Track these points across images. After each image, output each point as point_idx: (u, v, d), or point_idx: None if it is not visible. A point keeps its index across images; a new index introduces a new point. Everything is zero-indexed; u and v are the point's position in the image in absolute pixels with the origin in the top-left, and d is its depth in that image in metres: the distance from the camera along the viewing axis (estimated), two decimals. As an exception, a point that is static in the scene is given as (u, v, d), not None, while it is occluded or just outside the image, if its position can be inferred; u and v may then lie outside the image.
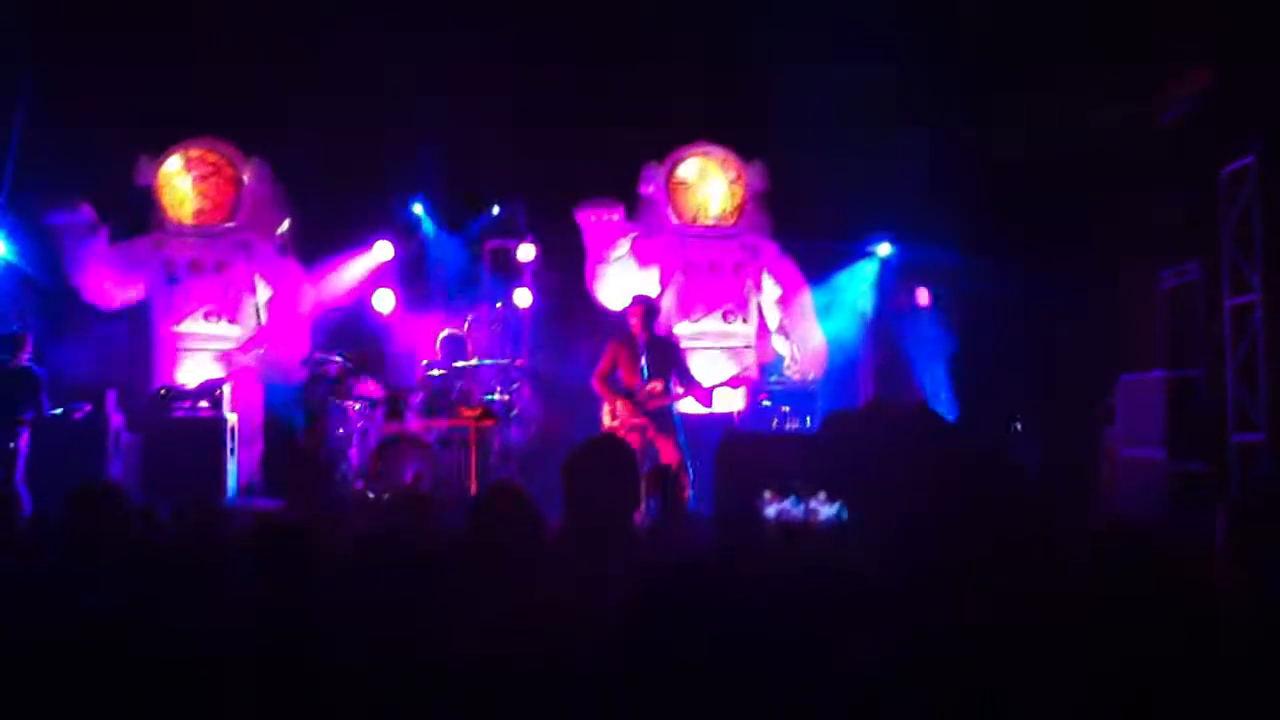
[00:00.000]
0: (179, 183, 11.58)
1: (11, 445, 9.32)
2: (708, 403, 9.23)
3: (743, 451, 8.85)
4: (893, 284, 11.83)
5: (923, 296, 11.64)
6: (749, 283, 11.73)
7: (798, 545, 2.24)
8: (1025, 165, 10.72)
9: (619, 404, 8.89)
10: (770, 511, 2.18)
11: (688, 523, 6.55)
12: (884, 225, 11.67)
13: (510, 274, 11.64)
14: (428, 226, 11.83)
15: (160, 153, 11.53)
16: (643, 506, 8.44)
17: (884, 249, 11.80)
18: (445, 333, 10.74)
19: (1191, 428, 9.63)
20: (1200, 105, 9.84)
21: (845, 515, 2.15)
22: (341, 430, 10.33)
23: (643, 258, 11.65)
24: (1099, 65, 10.25)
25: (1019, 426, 10.57)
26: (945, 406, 11.32)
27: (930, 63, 10.46)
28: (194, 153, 11.63)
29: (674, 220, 11.78)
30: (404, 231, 11.72)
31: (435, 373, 10.42)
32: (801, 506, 2.14)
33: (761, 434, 10.03)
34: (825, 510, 2.11)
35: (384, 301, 11.38)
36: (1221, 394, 9.40)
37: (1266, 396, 8.79)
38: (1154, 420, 9.97)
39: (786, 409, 10.74)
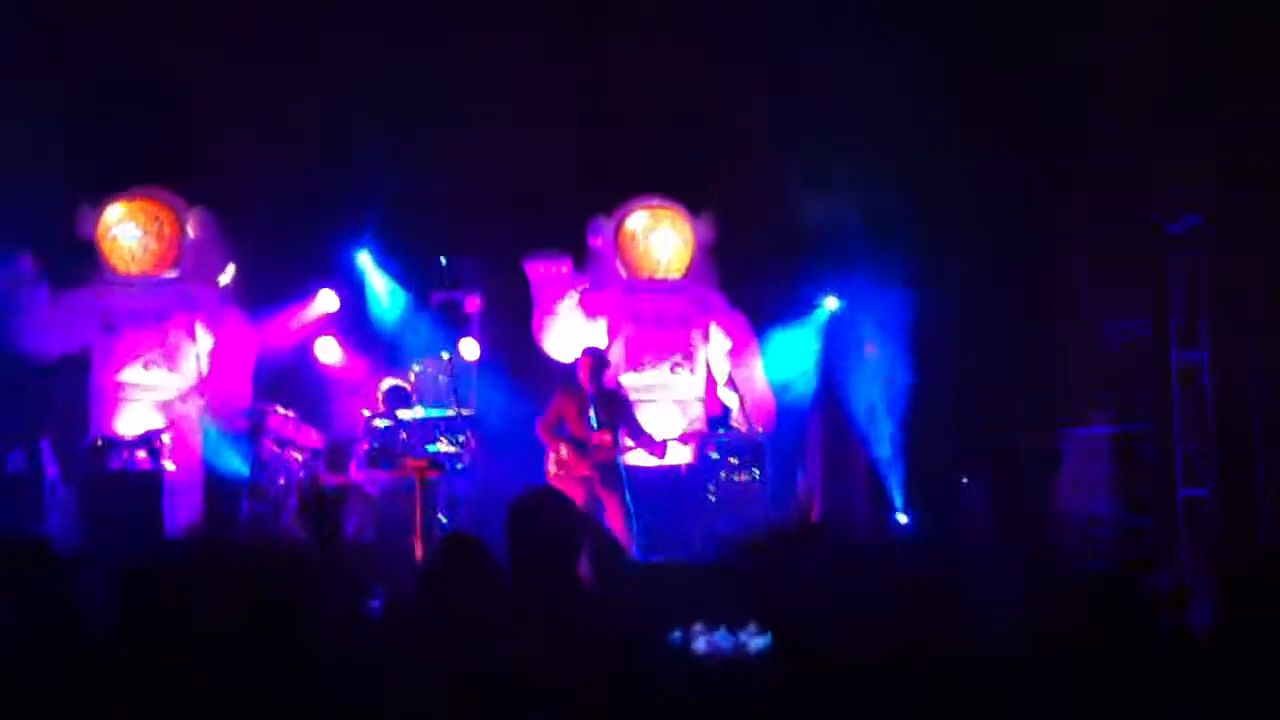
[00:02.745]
0: (121, 233, 11.38)
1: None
2: (660, 455, 9.18)
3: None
4: (840, 337, 11.83)
5: (871, 350, 11.64)
6: (697, 334, 11.69)
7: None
8: (974, 208, 10.75)
9: (564, 450, 8.81)
10: (702, 644, 2.13)
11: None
12: (831, 278, 11.67)
13: (456, 325, 11.54)
14: (372, 277, 11.71)
15: (101, 203, 11.35)
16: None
17: (831, 303, 11.80)
18: (389, 383, 10.62)
19: (1139, 484, 9.68)
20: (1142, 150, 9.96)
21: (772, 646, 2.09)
22: (283, 481, 10.17)
23: (590, 309, 11.60)
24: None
25: (965, 481, 10.59)
26: (892, 459, 11.32)
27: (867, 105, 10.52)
28: (136, 203, 11.42)
29: (622, 273, 11.75)
30: (348, 282, 11.60)
31: (379, 423, 10.30)
32: (733, 639, 2.09)
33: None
34: (756, 642, 2.05)
35: (327, 351, 11.24)
36: (1169, 450, 9.47)
37: (1215, 453, 8.84)
38: (1101, 475, 10.01)
39: (735, 460, 10.70)
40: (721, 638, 2.18)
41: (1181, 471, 9.23)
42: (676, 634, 2.17)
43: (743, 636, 2.17)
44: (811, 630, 2.26)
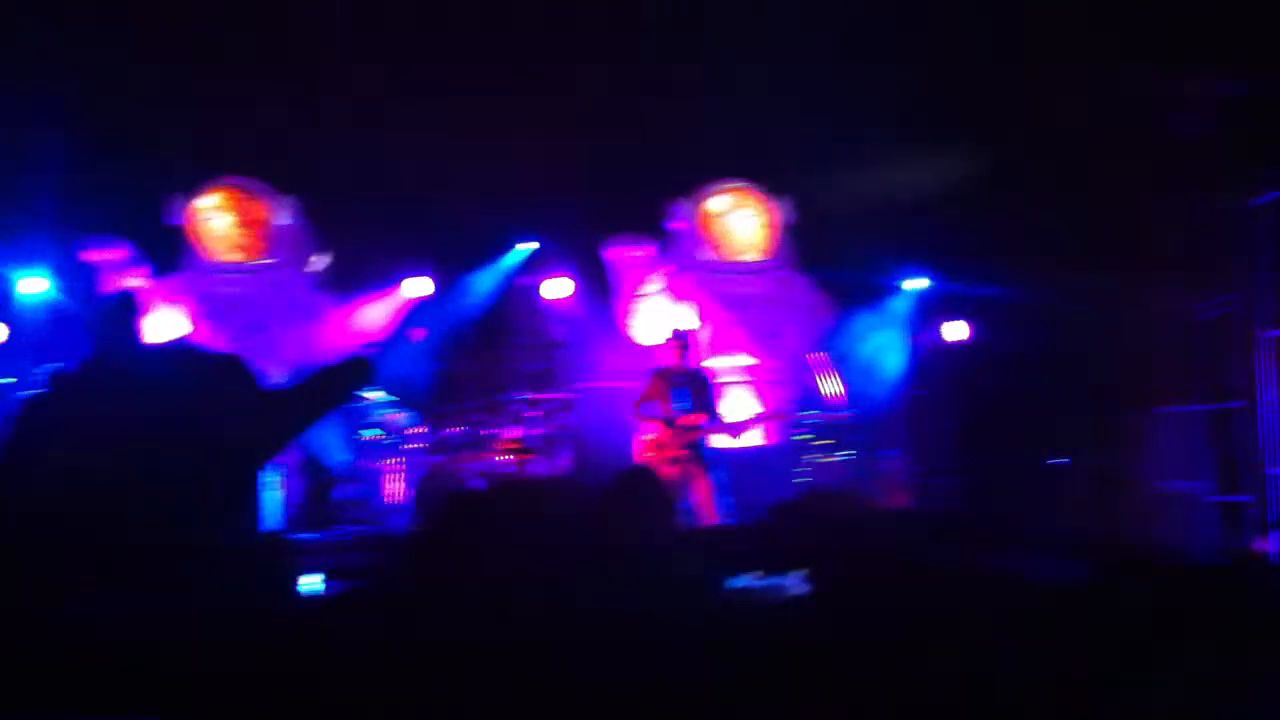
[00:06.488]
0: (212, 222, 11.63)
1: None
2: (739, 435, 9.25)
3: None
4: (928, 317, 11.81)
5: (959, 330, 11.62)
6: (782, 316, 11.73)
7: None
8: (1059, 184, 10.65)
9: (658, 431, 8.88)
10: (752, 588, 2.35)
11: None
12: (916, 257, 11.64)
13: (542, 309, 11.63)
14: (456, 263, 11.81)
15: (193, 192, 11.57)
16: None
17: (918, 283, 11.78)
18: (482, 368, 10.73)
19: (1235, 461, 9.58)
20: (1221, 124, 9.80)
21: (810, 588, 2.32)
22: (380, 465, 10.33)
23: (677, 293, 11.68)
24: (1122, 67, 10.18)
25: (1064, 462, 10.53)
26: (980, 440, 11.30)
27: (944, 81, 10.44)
28: (227, 192, 11.67)
29: (706, 255, 11.80)
30: (437, 267, 11.71)
31: (474, 407, 10.42)
32: (773, 582, 2.30)
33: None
34: (798, 587, 2.26)
35: (420, 337, 11.37)
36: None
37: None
38: (1197, 454, 9.92)
39: (822, 441, 10.73)
40: (768, 583, 2.37)
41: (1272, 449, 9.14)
42: (734, 580, 2.35)
43: (786, 582, 2.35)
44: (846, 578, 2.40)
